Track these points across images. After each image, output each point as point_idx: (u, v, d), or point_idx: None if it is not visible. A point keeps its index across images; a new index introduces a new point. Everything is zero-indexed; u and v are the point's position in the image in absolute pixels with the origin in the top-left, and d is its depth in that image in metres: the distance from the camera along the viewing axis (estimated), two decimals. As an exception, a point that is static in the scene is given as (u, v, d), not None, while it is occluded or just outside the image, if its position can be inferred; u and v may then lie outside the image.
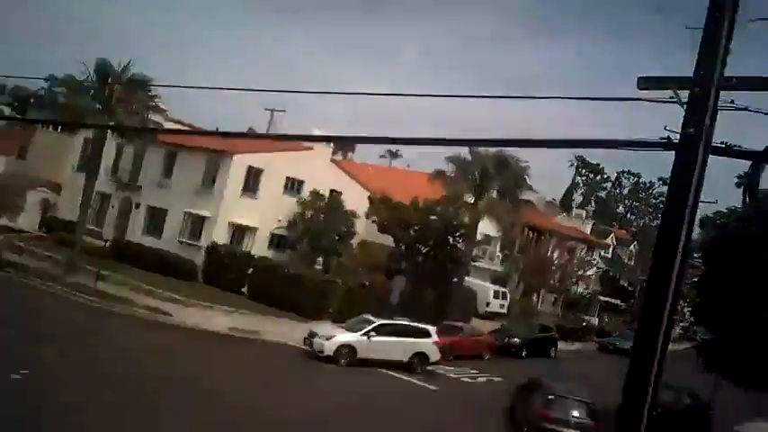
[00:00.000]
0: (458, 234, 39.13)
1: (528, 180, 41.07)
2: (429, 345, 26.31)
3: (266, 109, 49.39)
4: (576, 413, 19.31)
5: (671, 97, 6.48)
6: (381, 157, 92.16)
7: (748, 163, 24.61)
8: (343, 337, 24.99)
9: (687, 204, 5.92)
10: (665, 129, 6.53)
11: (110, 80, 31.35)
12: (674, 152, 5.91)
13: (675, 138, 6.00)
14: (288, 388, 20.33)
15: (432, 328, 27.12)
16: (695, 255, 26.00)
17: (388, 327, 25.90)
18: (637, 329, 6.56)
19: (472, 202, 38.47)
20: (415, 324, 27.06)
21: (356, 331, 25.19)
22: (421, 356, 26.02)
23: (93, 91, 31.72)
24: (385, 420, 19.13)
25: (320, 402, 19.35)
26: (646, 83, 6.85)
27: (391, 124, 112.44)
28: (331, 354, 24.28)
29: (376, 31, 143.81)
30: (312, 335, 25.23)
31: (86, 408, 14.11)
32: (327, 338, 24.75)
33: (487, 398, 24.49)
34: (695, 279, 28.24)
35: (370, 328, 25.32)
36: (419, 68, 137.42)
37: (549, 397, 19.71)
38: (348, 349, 24.65)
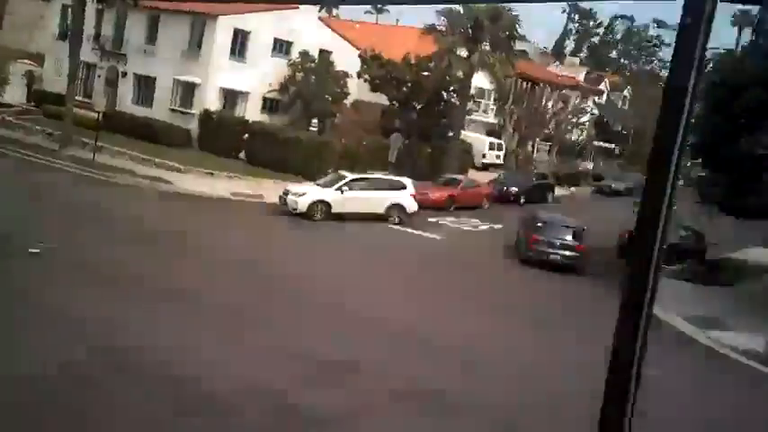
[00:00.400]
0: (452, 89, 38.75)
1: (520, 30, 40.17)
2: (406, 196, 26.59)
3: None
4: (562, 236, 22.31)
5: None
6: (367, 12, 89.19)
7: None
8: (315, 193, 25.19)
9: (695, 57, 5.84)
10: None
11: None
12: None
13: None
14: (314, 246, 21.21)
15: (408, 181, 27.25)
16: None
17: (362, 181, 26.20)
18: (648, 168, 6.62)
19: (465, 55, 37.70)
20: (391, 177, 27.40)
21: (330, 187, 25.39)
22: (398, 207, 26.33)
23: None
24: (403, 268, 20.10)
25: (341, 257, 20.53)
26: None
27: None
28: (304, 210, 24.54)
29: None
30: (286, 192, 25.37)
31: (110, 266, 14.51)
32: (299, 195, 24.93)
33: (490, 241, 25.72)
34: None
35: (342, 183, 25.48)
36: None
37: (538, 224, 22.88)
38: (322, 205, 24.91)
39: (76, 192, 23.22)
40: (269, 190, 28.36)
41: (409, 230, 25.47)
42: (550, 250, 21.83)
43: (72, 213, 19.38)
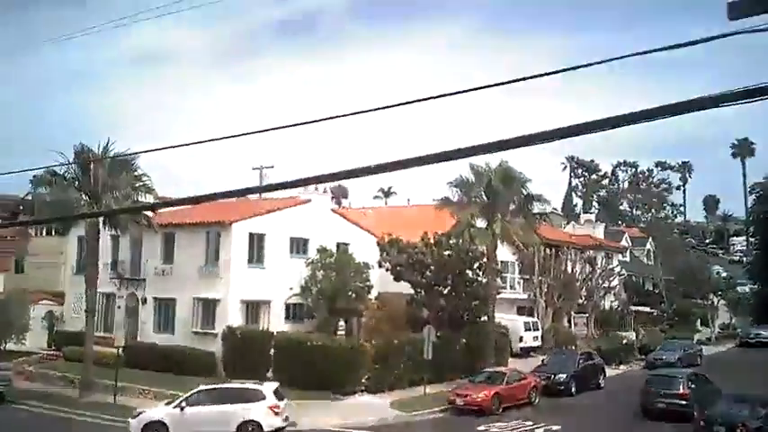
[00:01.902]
0: (477, 265, 37.21)
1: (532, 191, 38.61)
2: (261, 409, 22.35)
3: (254, 168, 48.18)
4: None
5: None
6: (375, 197, 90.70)
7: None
8: (152, 412, 22.28)
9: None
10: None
11: (92, 166, 29.74)
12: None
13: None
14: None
15: (267, 387, 23.47)
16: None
17: (211, 393, 23.05)
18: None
19: (485, 226, 36.07)
20: (246, 385, 23.69)
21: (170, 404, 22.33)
22: (252, 425, 22.09)
23: (77, 182, 30.12)
24: None
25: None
26: (737, 9, 5.30)
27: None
28: None
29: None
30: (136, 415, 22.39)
31: None
32: (135, 416, 21.97)
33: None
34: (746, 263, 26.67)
35: (182, 397, 22.27)
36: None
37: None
38: (159, 426, 21.56)
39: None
40: (302, 412, 26.09)
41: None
42: None
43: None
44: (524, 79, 7.66)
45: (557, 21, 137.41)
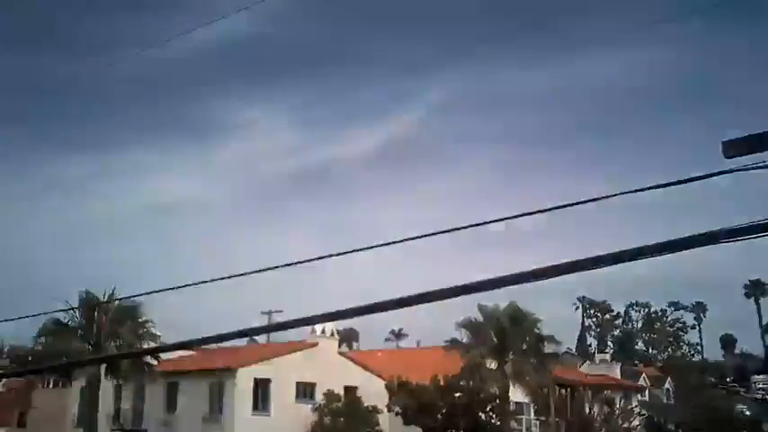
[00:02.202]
0: (488, 408, 36.16)
1: (543, 331, 38.51)
2: None
3: (263, 312, 48.15)
4: None
5: None
6: (387, 340, 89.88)
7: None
8: None
9: None
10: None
11: (96, 314, 29.71)
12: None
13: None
14: None
15: None
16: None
17: None
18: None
19: (495, 367, 35.63)
20: None
21: None
22: None
23: (80, 331, 29.99)
24: None
25: None
26: (736, 147, 5.19)
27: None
28: None
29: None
30: None
31: None
32: None
33: None
34: None
35: None
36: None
37: None
38: None
39: None
40: None
41: None
42: None
43: None
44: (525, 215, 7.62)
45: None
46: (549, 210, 7.14)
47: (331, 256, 8.53)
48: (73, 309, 29.50)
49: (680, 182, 5.91)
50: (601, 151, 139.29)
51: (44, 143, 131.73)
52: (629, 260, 6.00)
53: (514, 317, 35.48)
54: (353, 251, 8.46)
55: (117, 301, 29.80)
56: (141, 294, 30.36)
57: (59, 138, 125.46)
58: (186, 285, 10.55)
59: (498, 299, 35.37)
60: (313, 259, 8.86)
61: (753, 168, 5.28)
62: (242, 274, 9.65)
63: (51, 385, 45.39)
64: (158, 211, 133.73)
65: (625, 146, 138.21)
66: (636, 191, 6.35)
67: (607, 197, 6.66)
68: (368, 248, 8.45)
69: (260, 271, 9.76)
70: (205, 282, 11.00)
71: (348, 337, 78.90)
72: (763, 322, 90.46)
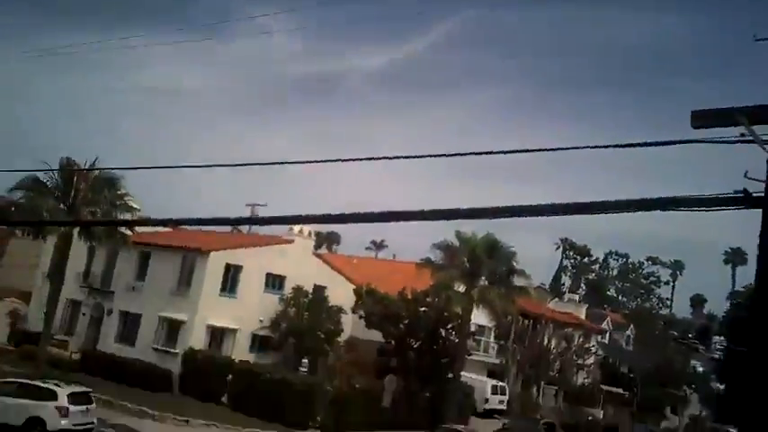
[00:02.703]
0: (450, 326, 37.16)
1: (516, 265, 39.39)
2: (49, 409, 22.00)
3: (247, 204, 48.39)
4: None
5: (742, 135, 4.91)
6: (367, 248, 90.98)
7: None
8: None
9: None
10: (746, 176, 4.93)
11: (75, 179, 29.82)
12: (760, 210, 4.57)
13: (757, 190, 4.67)
14: None
15: (63, 390, 22.72)
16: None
17: (12, 385, 22.84)
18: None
19: (463, 290, 36.57)
20: (42, 384, 23.00)
21: None
22: (37, 422, 21.75)
23: (57, 193, 30.17)
24: None
25: None
26: (702, 119, 5.20)
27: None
28: None
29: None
30: None
31: None
32: None
33: None
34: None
35: None
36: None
37: None
38: None
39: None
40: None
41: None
42: None
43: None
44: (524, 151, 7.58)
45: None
46: (544, 150, 7.48)
47: (325, 161, 8.59)
48: (53, 170, 29.58)
49: (657, 143, 5.94)
50: (609, 103, 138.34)
51: (53, 18, 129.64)
52: (606, 211, 6.10)
53: (490, 246, 36.06)
54: (347, 160, 8.47)
55: (97, 172, 29.87)
56: (122, 168, 30.60)
57: (71, 13, 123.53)
58: (172, 167, 10.64)
59: (483, 229, 36.17)
60: (305, 162, 8.90)
61: (714, 141, 5.25)
62: (231, 165, 9.70)
63: (30, 236, 45.86)
64: (158, 95, 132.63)
65: (633, 99, 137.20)
66: (623, 146, 6.46)
67: (596, 147, 6.81)
68: (359, 159, 8.46)
69: (249, 164, 9.83)
70: (194, 166, 11.03)
71: (329, 240, 79.93)
72: (735, 289, 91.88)
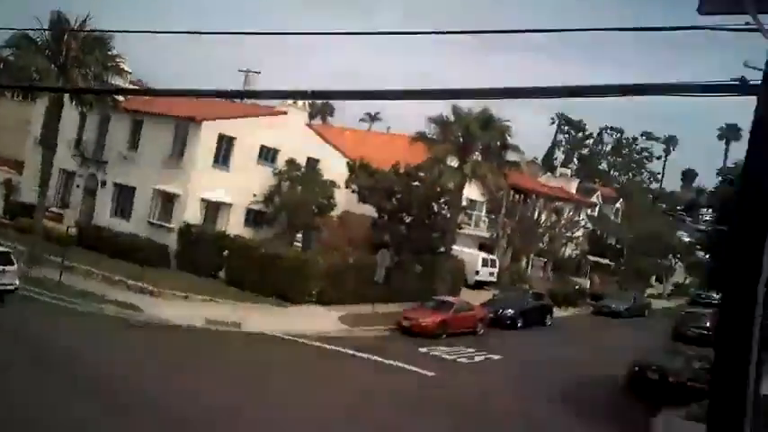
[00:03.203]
0: (442, 200, 37.39)
1: (510, 139, 39.17)
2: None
3: (240, 71, 47.07)
4: None
5: (747, 24, 4.73)
6: (361, 120, 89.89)
7: None
8: None
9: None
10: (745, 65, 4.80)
11: (65, 37, 28.71)
12: (754, 97, 4.51)
13: (754, 78, 4.61)
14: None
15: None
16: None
17: None
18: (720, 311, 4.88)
19: (456, 165, 36.55)
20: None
21: None
22: None
23: (48, 51, 29.11)
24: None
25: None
26: (710, 4, 5.09)
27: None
28: None
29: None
30: None
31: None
32: None
33: (494, 378, 23.00)
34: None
35: None
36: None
37: None
38: None
39: (29, 325, 20.91)
40: (248, 315, 26.31)
41: (395, 363, 22.96)
42: None
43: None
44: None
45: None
46: (547, 31, 7.98)
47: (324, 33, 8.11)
48: (43, 29, 28.43)
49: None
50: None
51: None
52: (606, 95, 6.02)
53: (485, 121, 35.71)
54: (339, 33, 8.01)
55: (88, 31, 28.74)
56: (115, 31, 29.31)
57: None
58: (165, 32, 10.08)
59: (480, 105, 35.71)
60: (299, 33, 8.45)
61: (719, 29, 5.10)
62: (225, 33, 9.20)
63: (20, 98, 44.63)
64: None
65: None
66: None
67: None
68: (360, 34, 8.01)
69: (245, 33, 9.33)
70: (189, 32, 10.43)
71: (322, 111, 78.57)
72: (727, 165, 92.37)
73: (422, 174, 36.33)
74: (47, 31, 28.66)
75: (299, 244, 35.28)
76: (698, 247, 57.23)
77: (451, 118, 36.25)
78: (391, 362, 22.90)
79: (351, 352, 23.51)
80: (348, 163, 37.63)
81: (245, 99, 46.55)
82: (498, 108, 36.59)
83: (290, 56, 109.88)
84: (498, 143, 37.55)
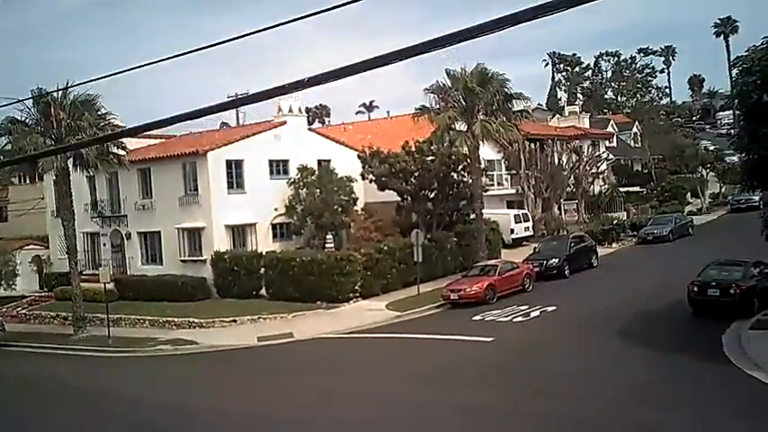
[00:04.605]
0: (460, 167, 36.93)
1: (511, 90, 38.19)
2: None
3: (229, 96, 47.23)
4: None
5: None
6: (359, 113, 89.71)
7: None
8: None
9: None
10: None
11: (52, 108, 28.87)
12: None
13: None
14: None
15: None
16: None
17: None
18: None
19: (465, 129, 35.86)
20: None
21: None
22: None
23: (40, 127, 29.34)
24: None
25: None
26: None
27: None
28: None
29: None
30: None
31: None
32: None
33: (552, 329, 22.50)
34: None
35: None
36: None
37: None
38: None
39: (89, 379, 21.15)
40: (297, 324, 26.33)
41: (449, 337, 22.66)
42: None
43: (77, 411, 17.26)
44: None
45: None
46: None
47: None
48: (21, 100, 28.42)
49: None
50: None
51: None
52: None
53: (482, 78, 34.89)
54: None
55: (72, 95, 28.94)
56: (95, 80, 29.21)
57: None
58: (147, 64, 9.85)
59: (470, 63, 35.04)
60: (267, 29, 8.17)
61: None
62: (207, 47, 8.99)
63: (27, 181, 45.50)
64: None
65: None
66: None
67: None
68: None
69: (217, 44, 9.10)
70: (171, 57, 10.23)
71: (320, 114, 78.68)
72: (732, 58, 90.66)
73: (433, 147, 35.91)
74: (33, 109, 28.92)
75: (331, 245, 35.17)
76: (725, 151, 56.13)
77: (448, 83, 35.51)
78: (448, 336, 22.58)
79: (407, 336, 23.36)
80: (359, 155, 37.43)
81: (245, 118, 46.76)
82: (488, 65, 35.86)
83: (268, 64, 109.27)
84: (501, 96, 36.68)
